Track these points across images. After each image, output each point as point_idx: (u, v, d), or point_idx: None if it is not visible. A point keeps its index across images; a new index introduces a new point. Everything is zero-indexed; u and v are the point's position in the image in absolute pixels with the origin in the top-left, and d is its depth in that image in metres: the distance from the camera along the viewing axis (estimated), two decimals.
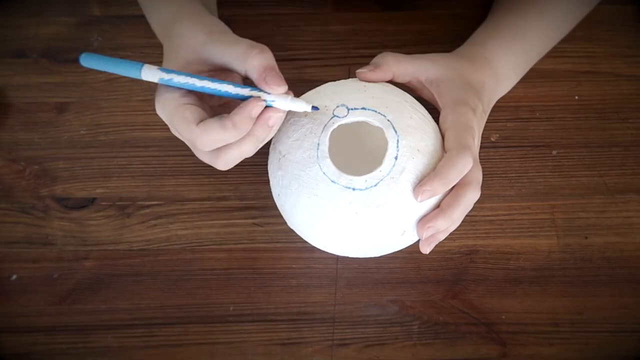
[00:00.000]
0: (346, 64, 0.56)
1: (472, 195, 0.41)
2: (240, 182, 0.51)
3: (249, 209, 0.50)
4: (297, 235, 0.45)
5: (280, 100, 0.38)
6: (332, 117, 0.40)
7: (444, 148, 0.41)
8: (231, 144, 0.38)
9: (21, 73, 0.56)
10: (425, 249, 0.41)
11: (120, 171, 0.52)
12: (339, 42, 0.57)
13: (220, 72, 0.40)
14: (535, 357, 0.45)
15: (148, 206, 0.51)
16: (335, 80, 0.44)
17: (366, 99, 0.40)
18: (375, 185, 0.38)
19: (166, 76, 0.37)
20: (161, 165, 0.52)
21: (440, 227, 0.40)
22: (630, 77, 0.55)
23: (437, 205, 0.40)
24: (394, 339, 0.46)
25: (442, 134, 0.42)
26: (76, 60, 0.56)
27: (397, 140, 0.39)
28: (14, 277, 0.48)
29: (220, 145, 0.38)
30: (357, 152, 0.46)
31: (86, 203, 0.51)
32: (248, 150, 0.39)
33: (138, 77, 0.37)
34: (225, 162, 0.40)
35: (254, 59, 0.37)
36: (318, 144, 0.39)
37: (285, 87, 0.37)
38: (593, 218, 0.50)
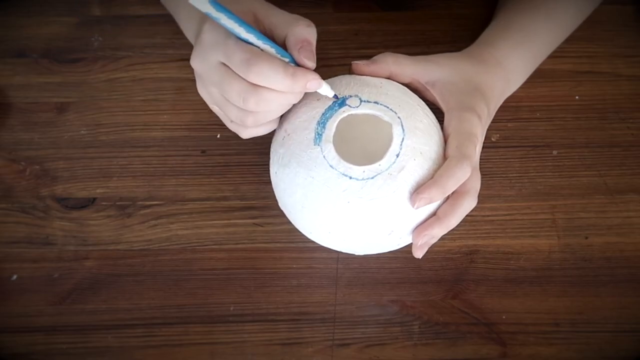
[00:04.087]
0: (346, 64, 0.56)
1: (468, 204, 0.41)
2: (240, 182, 0.51)
3: (249, 209, 0.50)
4: (298, 236, 0.45)
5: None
6: (343, 105, 0.40)
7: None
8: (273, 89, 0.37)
9: (21, 73, 0.56)
10: (418, 254, 0.42)
11: (120, 171, 0.52)
12: (339, 42, 0.57)
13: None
14: (535, 357, 0.45)
15: (148, 206, 0.51)
16: None
17: (380, 95, 0.41)
18: (372, 178, 0.38)
19: (215, 13, 0.35)
20: (161, 165, 0.52)
21: (437, 235, 0.41)
22: (630, 77, 0.55)
23: (433, 213, 0.41)
24: (395, 339, 0.46)
25: (445, 139, 0.42)
26: (77, 60, 0.57)
27: (402, 139, 0.39)
28: (14, 277, 0.48)
29: (266, 85, 0.37)
30: (361, 150, 0.46)
31: (86, 203, 0.51)
32: (281, 106, 0.39)
33: None
34: (257, 117, 0.39)
35: (298, 27, 0.37)
36: (325, 128, 0.39)
37: (313, 65, 0.37)
38: (593, 218, 0.50)
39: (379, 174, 0.38)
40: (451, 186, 0.39)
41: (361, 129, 0.45)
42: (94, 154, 0.52)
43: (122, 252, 0.49)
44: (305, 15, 0.57)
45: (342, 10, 0.59)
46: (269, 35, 0.39)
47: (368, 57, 0.56)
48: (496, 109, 0.48)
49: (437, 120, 0.43)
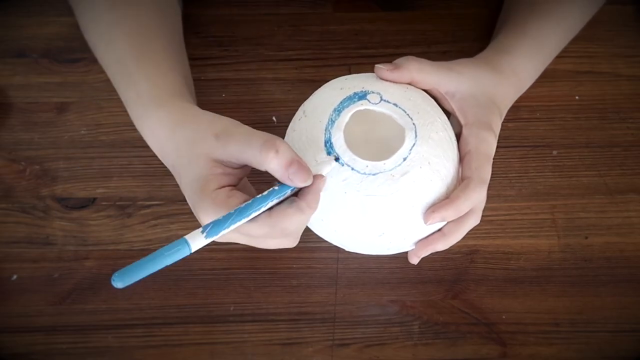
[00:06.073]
0: (346, 64, 0.56)
1: (473, 223, 0.42)
2: None
3: None
4: None
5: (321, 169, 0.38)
6: (362, 98, 0.40)
7: (459, 170, 0.41)
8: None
9: (21, 73, 0.56)
10: (414, 260, 0.42)
11: (120, 171, 0.52)
12: (339, 42, 0.57)
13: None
14: (535, 357, 0.45)
15: (148, 206, 0.51)
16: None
17: (402, 99, 0.41)
18: (374, 175, 0.38)
19: (217, 237, 0.34)
20: (162, 165, 0.51)
21: (439, 250, 0.41)
22: (630, 77, 0.55)
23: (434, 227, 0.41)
24: (395, 339, 0.46)
25: (462, 155, 0.42)
26: (77, 60, 0.57)
27: (413, 145, 0.39)
28: (14, 277, 0.48)
29: (294, 230, 0.37)
30: (372, 149, 0.46)
31: (87, 203, 0.51)
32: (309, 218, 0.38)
33: (189, 254, 0.34)
34: (296, 237, 0.39)
35: (272, 162, 0.35)
36: (339, 116, 0.40)
37: (311, 178, 0.35)
38: (593, 218, 0.50)
39: (382, 172, 0.38)
40: (466, 208, 0.40)
41: (380, 130, 0.45)
42: (94, 154, 0.52)
43: (122, 252, 0.49)
44: (305, 16, 0.58)
45: (342, 10, 0.59)
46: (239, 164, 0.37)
47: (368, 57, 0.57)
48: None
49: (455, 138, 0.42)
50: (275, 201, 0.36)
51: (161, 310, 0.47)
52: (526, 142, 0.52)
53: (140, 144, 0.52)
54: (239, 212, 0.34)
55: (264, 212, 0.35)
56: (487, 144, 0.42)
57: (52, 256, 0.49)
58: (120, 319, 0.47)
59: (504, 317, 0.47)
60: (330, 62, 0.56)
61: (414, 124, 0.40)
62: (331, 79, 0.44)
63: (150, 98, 0.42)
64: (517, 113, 0.53)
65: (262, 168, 0.35)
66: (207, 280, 0.48)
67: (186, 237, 0.33)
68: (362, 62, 0.56)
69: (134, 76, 0.43)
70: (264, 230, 0.35)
